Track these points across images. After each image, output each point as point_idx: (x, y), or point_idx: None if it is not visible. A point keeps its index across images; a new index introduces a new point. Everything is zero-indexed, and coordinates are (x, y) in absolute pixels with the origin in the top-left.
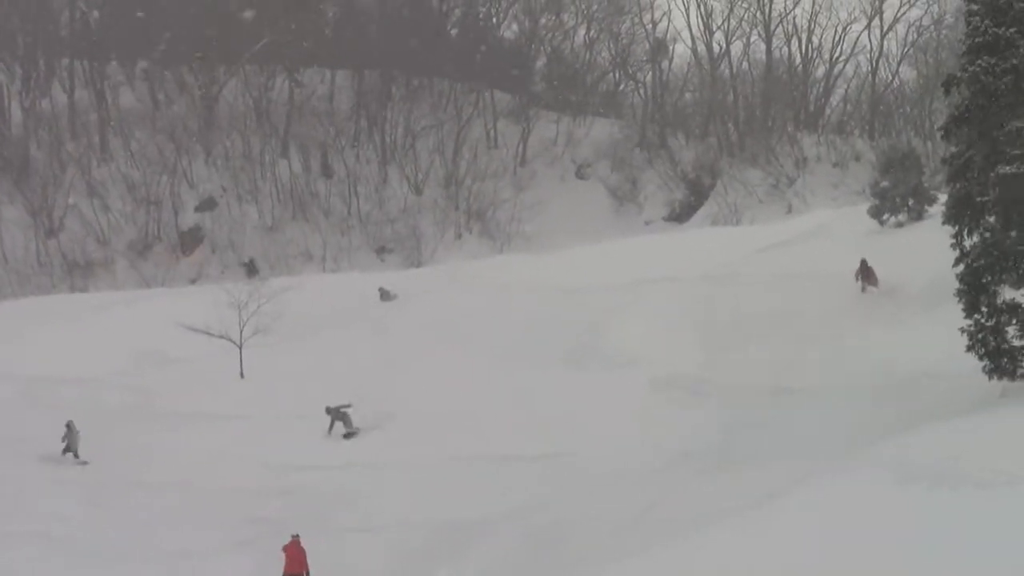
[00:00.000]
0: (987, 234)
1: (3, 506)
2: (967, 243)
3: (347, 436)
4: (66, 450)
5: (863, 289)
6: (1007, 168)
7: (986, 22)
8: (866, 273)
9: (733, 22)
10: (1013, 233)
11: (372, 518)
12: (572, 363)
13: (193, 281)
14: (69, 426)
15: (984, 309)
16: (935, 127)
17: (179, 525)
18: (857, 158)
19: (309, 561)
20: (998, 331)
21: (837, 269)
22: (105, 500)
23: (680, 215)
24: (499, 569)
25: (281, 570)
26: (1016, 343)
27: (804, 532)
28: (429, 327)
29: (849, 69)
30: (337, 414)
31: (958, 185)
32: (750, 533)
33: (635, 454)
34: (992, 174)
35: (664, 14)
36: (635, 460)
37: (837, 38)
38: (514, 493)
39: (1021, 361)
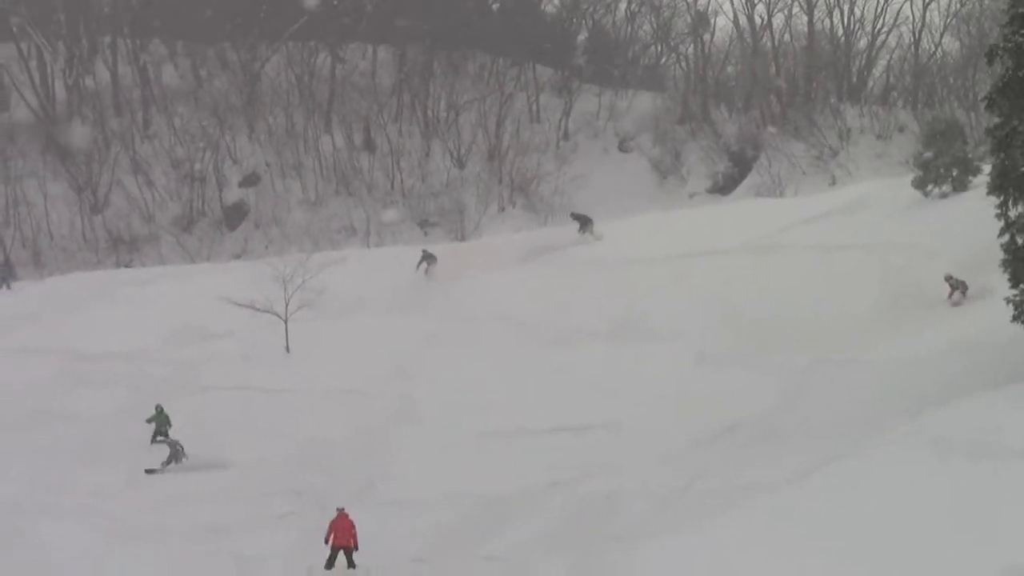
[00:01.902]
0: None
1: (46, 481)
2: (1012, 213)
3: (149, 471)
4: (156, 435)
5: (956, 302)
6: None
7: None
8: (958, 287)
9: None
10: None
11: (415, 492)
12: (616, 336)
13: (237, 256)
14: (158, 409)
15: None
16: (979, 98)
17: (221, 500)
18: (901, 129)
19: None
20: None
21: (881, 240)
22: (147, 475)
23: (723, 187)
24: (543, 543)
25: (328, 545)
26: None
27: (848, 505)
28: (471, 301)
29: (892, 40)
30: (172, 445)
31: (1002, 156)
32: (795, 506)
33: (680, 427)
34: None
35: None
36: (680, 433)
37: (879, 9)
38: (558, 467)
39: None
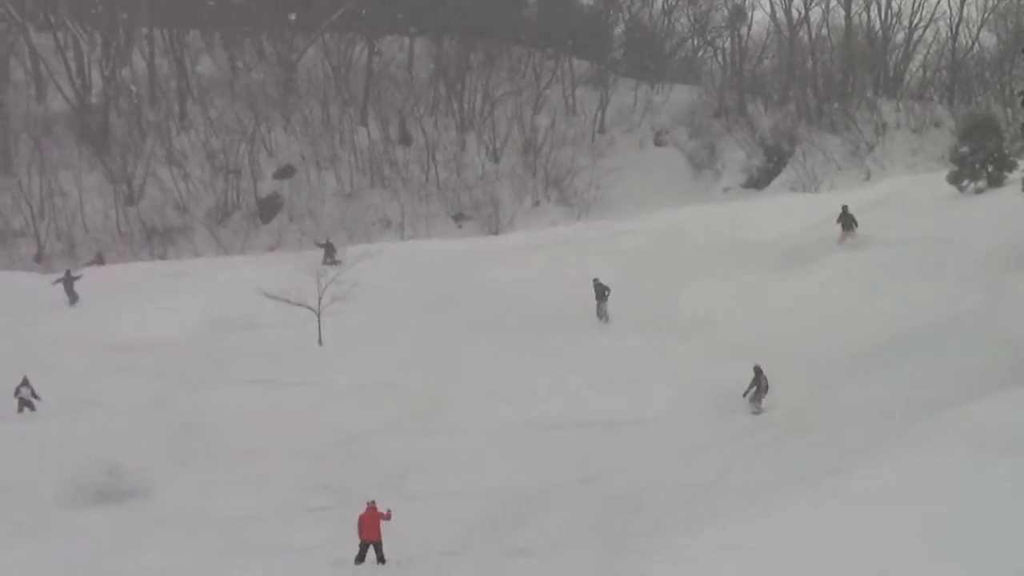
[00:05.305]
0: None
1: (82, 469)
2: None
3: None
4: None
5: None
6: None
7: None
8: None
9: None
10: None
11: (444, 484)
12: (646, 329)
13: (271, 249)
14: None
15: None
16: (1015, 92)
17: (253, 491)
18: (936, 124)
19: (383, 526)
20: None
21: (916, 235)
22: (179, 465)
23: (758, 182)
24: (571, 536)
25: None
26: None
27: (877, 502)
28: (503, 293)
29: (928, 35)
30: None
31: None
32: (823, 502)
33: (710, 421)
34: None
35: None
36: (710, 427)
37: (916, 4)
38: (586, 461)
39: None
